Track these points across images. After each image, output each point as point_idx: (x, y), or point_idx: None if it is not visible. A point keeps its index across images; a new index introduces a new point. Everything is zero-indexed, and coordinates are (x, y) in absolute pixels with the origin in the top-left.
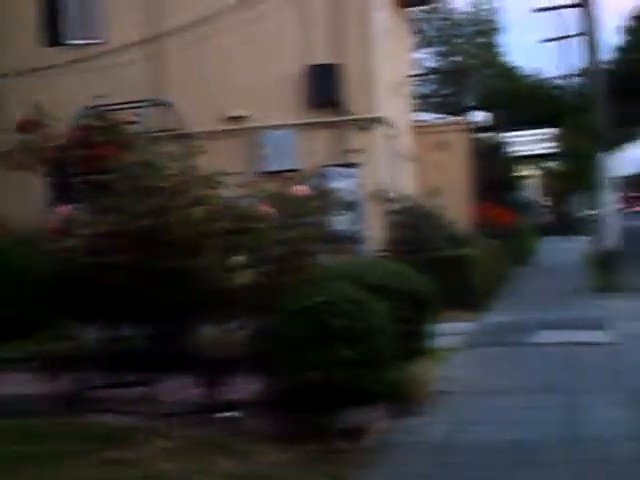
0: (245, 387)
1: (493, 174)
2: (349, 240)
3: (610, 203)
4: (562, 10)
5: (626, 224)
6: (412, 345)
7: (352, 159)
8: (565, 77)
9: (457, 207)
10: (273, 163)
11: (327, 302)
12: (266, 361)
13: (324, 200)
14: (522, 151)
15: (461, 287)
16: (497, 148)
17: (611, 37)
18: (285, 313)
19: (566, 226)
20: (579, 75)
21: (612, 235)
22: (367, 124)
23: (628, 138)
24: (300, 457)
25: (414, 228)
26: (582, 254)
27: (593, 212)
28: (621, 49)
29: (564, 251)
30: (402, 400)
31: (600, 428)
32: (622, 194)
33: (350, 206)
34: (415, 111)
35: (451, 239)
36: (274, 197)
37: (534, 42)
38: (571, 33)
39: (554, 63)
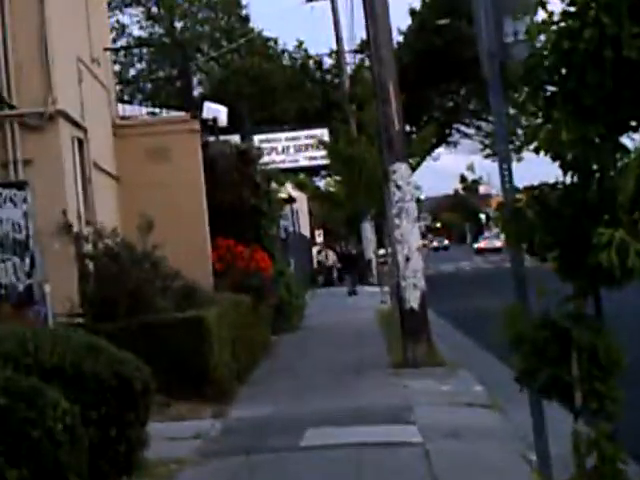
0: None
1: (240, 198)
2: (18, 299)
3: (410, 238)
4: None
5: (431, 269)
6: (118, 457)
7: (19, 175)
8: (337, 54)
9: (186, 247)
10: None
11: None
12: None
13: None
14: (282, 163)
15: (196, 366)
16: (245, 159)
17: None
18: None
19: (351, 272)
20: (358, 51)
21: (414, 286)
22: (41, 122)
23: (440, 142)
24: None
25: (120, 280)
26: (374, 313)
27: (386, 251)
28: (418, 13)
29: (349, 309)
30: None
31: None
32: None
33: (19, 247)
34: (119, 102)
35: (179, 295)
36: None
37: (291, 5)
38: None
39: (321, 35)
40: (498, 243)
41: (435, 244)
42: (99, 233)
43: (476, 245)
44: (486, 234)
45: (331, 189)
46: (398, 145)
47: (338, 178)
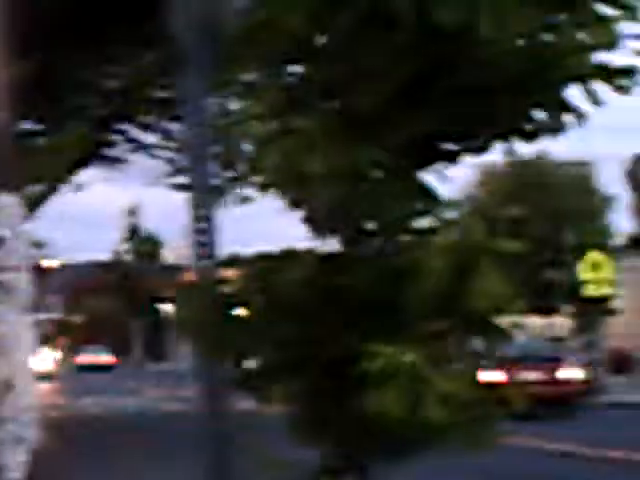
0: None
1: None
2: None
3: (14, 344)
4: None
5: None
6: None
7: None
8: None
9: None
10: None
11: None
12: None
13: None
14: None
15: None
16: None
17: None
18: None
19: None
20: None
21: (18, 440)
22: None
23: (92, 158)
24: None
25: None
26: None
27: None
28: None
29: None
30: None
31: None
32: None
33: None
34: None
35: None
36: None
37: None
38: None
39: None
40: (106, 357)
41: (88, 358)
42: None
43: (77, 358)
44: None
45: None
46: None
47: None
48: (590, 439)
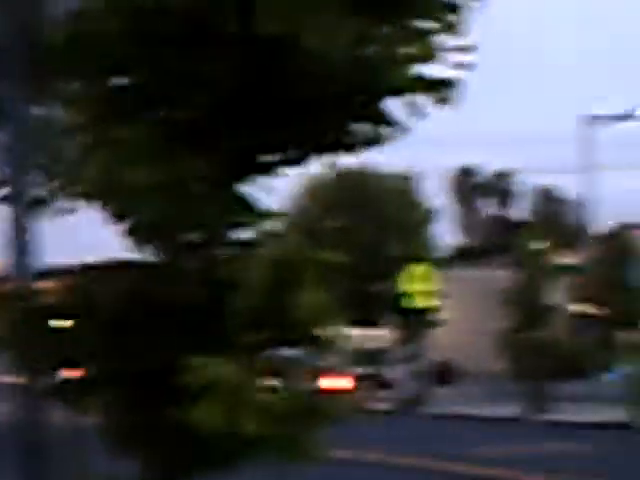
0: None
1: None
2: None
3: None
4: None
5: None
6: None
7: None
8: None
9: None
10: None
11: None
12: None
13: None
14: None
15: None
16: None
17: None
18: None
19: None
20: None
21: None
22: None
23: None
24: None
25: None
26: None
27: None
28: None
29: None
30: None
31: None
32: None
33: None
34: None
35: None
36: None
37: None
38: None
39: None
40: None
41: None
42: None
43: None
44: None
45: None
46: None
47: None
48: (388, 447)
